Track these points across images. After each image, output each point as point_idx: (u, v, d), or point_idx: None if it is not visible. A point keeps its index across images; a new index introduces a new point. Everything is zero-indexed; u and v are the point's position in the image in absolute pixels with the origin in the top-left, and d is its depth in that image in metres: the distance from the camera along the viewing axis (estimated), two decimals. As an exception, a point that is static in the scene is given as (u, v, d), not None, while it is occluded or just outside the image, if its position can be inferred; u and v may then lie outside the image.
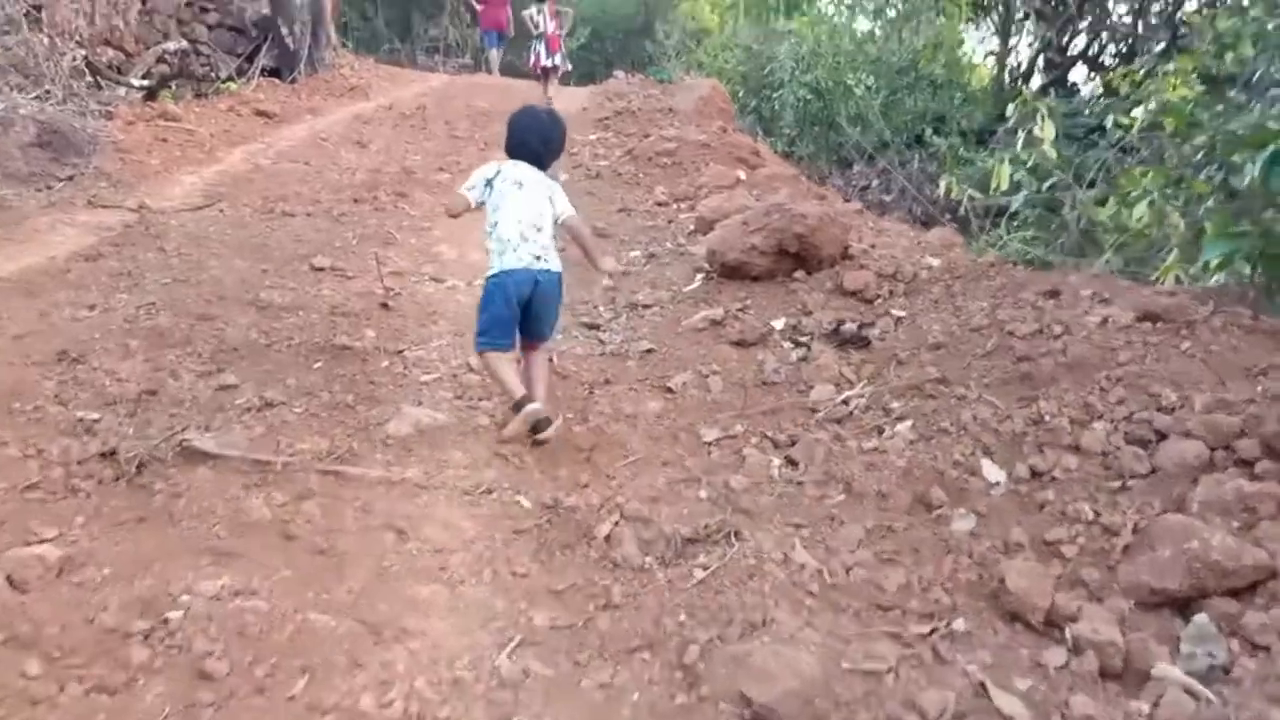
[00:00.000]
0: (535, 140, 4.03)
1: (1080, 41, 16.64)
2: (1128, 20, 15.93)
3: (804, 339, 4.68)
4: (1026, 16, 15.92)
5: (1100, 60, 17.05)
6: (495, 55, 17.29)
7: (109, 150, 8.79)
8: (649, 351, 4.82)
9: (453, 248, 6.59)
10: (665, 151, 8.78)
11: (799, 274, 5.25)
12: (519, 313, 3.87)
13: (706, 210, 6.70)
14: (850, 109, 12.82)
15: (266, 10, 14.77)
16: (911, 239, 6.29)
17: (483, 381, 4.47)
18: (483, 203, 3.96)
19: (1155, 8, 15.61)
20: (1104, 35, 16.57)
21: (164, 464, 3.51)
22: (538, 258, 3.86)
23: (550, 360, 4.36)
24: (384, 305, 5.31)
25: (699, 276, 5.68)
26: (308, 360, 4.56)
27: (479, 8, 17.47)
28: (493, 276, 3.88)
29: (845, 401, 4.06)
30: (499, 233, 3.86)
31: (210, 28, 15.22)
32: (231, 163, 9.19)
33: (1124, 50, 16.75)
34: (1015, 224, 10.59)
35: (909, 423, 3.85)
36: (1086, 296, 4.39)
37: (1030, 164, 8.69)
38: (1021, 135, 7.24)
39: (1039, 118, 6.96)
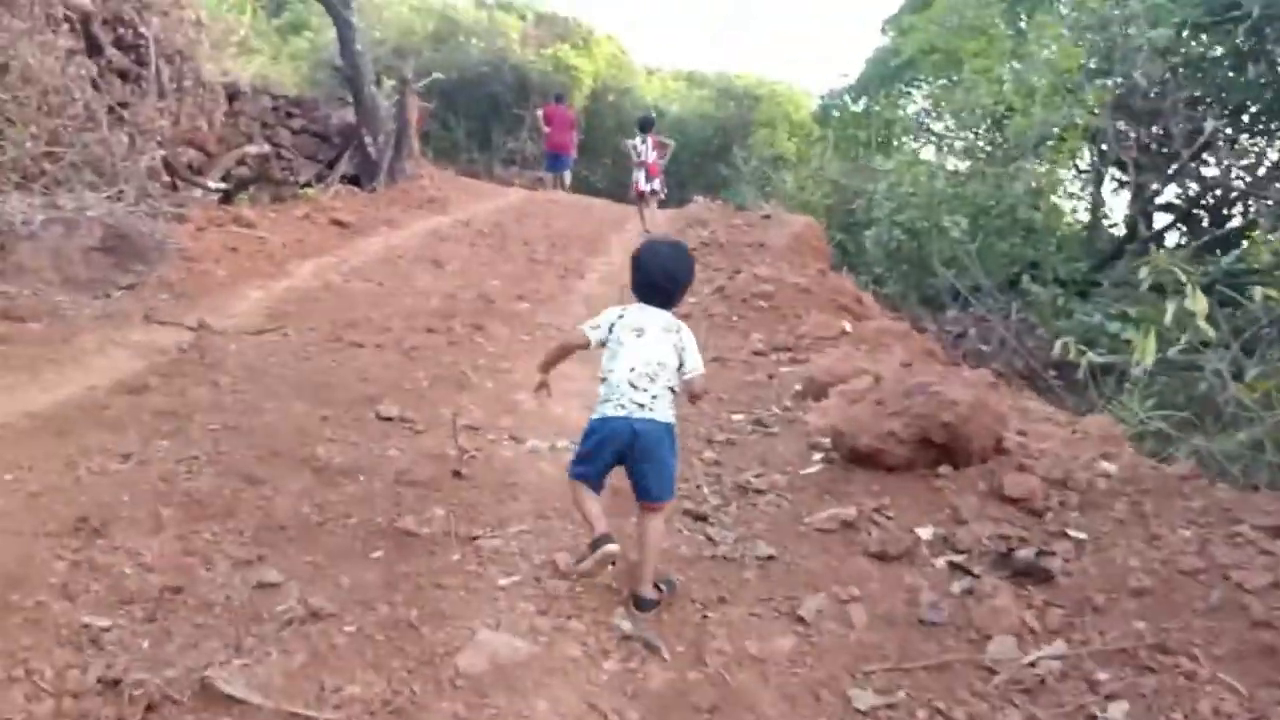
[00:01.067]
0: (662, 278, 3.66)
1: (1169, 192, 15.90)
2: (1215, 173, 15.16)
3: (962, 560, 3.80)
4: (1122, 165, 15.21)
5: (1193, 214, 16.24)
6: (552, 178, 17.44)
7: (175, 258, 8.28)
8: (770, 559, 3.97)
9: (533, 397, 5.84)
10: (761, 294, 8.05)
11: (944, 468, 4.40)
12: (612, 462, 3.57)
13: (818, 371, 5.91)
14: (944, 250, 12.09)
15: (352, 118, 14.56)
16: (1065, 427, 5.42)
17: (571, 590, 3.65)
18: (603, 343, 3.63)
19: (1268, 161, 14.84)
20: (1192, 187, 15.81)
21: (178, 706, 2.71)
22: (641, 405, 3.50)
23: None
24: (456, 474, 4.53)
25: (817, 457, 4.85)
26: (365, 548, 3.77)
27: (546, 130, 17.55)
28: (594, 420, 3.60)
29: (1034, 664, 3.16)
30: (610, 379, 3.55)
31: (294, 132, 15.02)
32: (302, 277, 8.63)
33: (1212, 204, 15.93)
34: (1134, 389, 9.69)
35: (1124, 706, 2.94)
36: (1326, 540, 3.49)
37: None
38: (1170, 307, 6.42)
39: (1188, 288, 6.15)
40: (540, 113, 18.45)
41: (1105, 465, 4.32)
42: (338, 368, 5.97)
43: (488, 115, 23.81)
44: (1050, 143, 12.86)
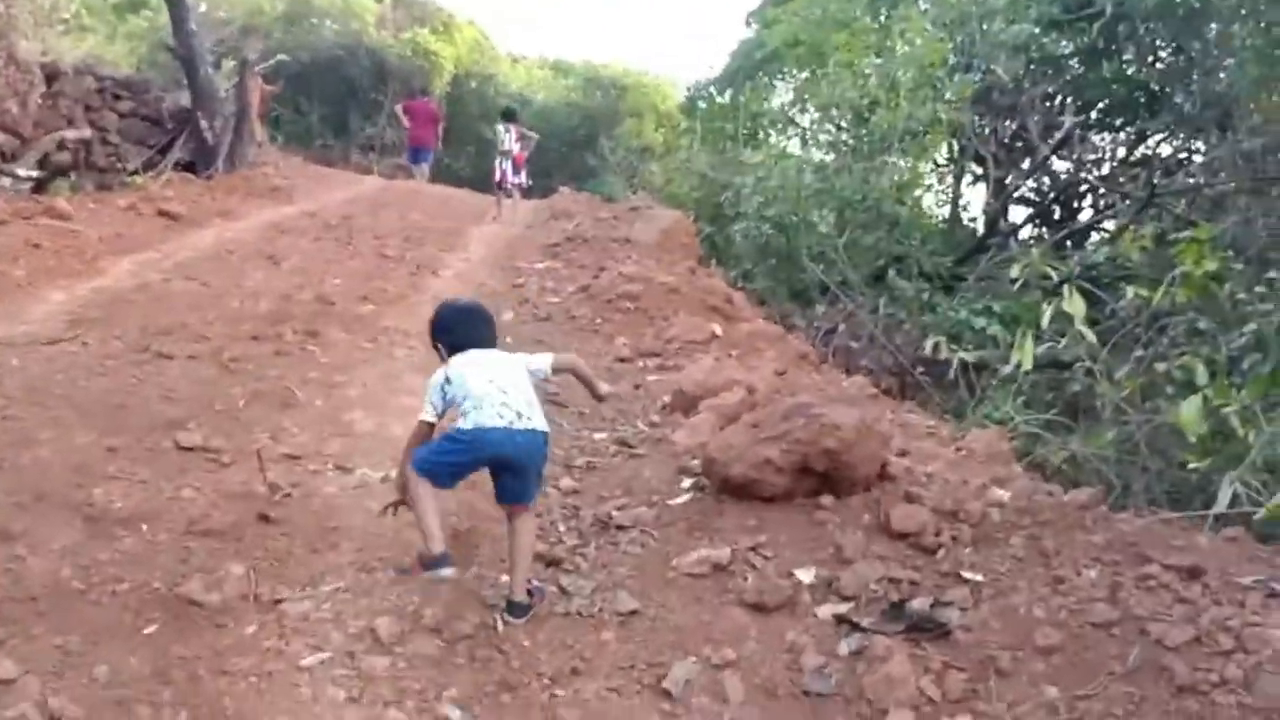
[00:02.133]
0: (477, 322, 3.58)
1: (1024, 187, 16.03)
2: (1067, 167, 15.34)
3: (849, 611, 3.30)
4: (980, 159, 15.24)
5: (1046, 208, 16.42)
6: (422, 169, 16.52)
7: (-36, 255, 7.20)
8: (632, 614, 3.39)
9: (370, 415, 5.13)
10: (627, 294, 7.47)
11: (825, 498, 3.90)
12: (474, 470, 3.39)
13: (688, 382, 5.37)
14: (812, 245, 11.76)
15: (188, 102, 13.35)
16: (949, 445, 5.00)
17: (393, 668, 2.99)
18: (444, 412, 3.39)
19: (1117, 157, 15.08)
20: (1045, 182, 16.00)
21: None
22: (520, 414, 3.26)
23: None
24: (264, 518, 3.80)
25: (687, 484, 4.29)
26: (136, 623, 3.04)
27: (407, 124, 16.70)
28: (463, 431, 3.24)
29: (936, 747, 2.67)
30: (471, 393, 3.26)
31: (123, 116, 13.67)
32: (116, 276, 7.64)
33: (1062, 199, 16.14)
34: (1001, 389, 9.51)
35: (1045, 801, 2.47)
36: (1242, 584, 3.12)
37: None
38: (1048, 308, 6.12)
39: (1066, 290, 5.86)
40: (400, 108, 17.56)
41: (998, 493, 3.89)
42: (139, 385, 5.11)
43: (344, 100, 22.61)
44: (913, 137, 12.67)
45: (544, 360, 3.54)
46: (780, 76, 18.20)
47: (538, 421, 3.31)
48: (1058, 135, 13.01)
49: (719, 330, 6.80)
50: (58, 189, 10.84)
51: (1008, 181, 14.41)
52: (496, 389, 3.25)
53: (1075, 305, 5.87)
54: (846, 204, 12.42)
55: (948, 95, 12.49)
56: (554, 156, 23.50)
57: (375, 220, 11.11)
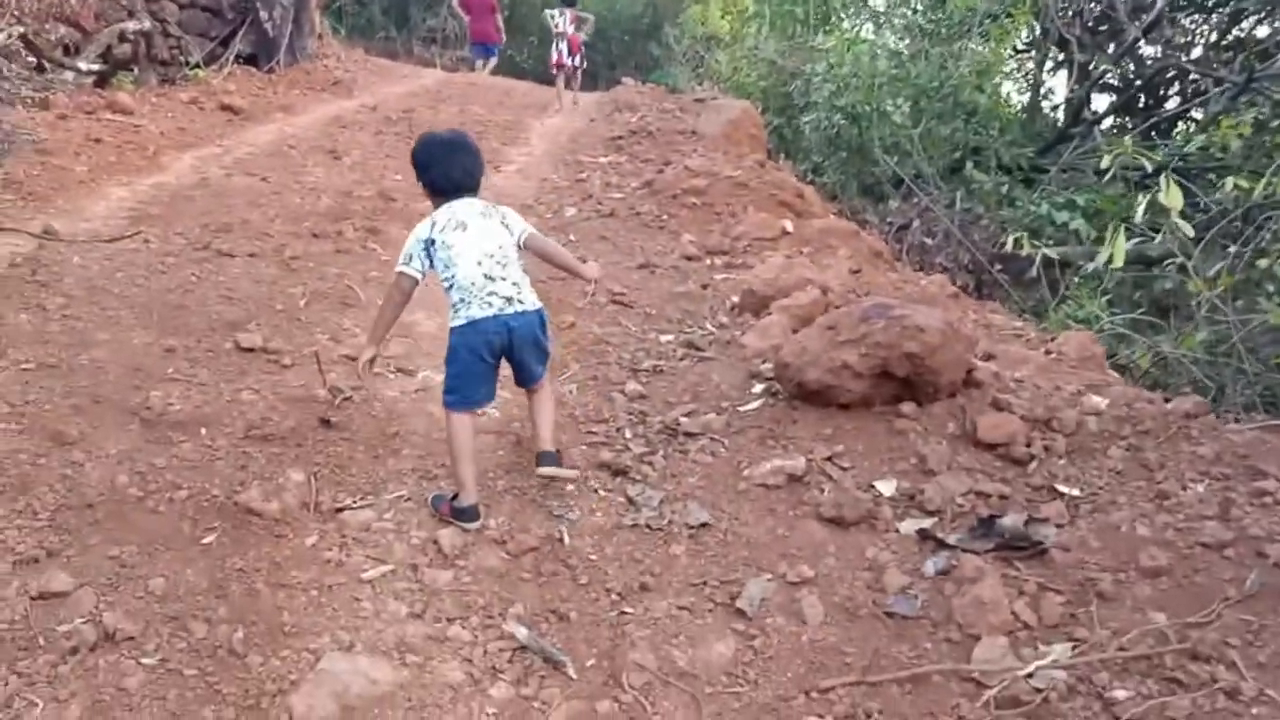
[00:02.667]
0: (453, 168, 3.32)
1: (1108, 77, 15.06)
2: (1154, 52, 14.32)
3: (934, 526, 3.08)
4: (1063, 43, 14.33)
5: (1131, 96, 15.44)
6: (483, 65, 15.92)
7: (27, 150, 7.11)
8: (703, 527, 3.21)
9: (432, 316, 4.96)
10: (693, 189, 7.13)
11: (906, 405, 3.65)
12: (496, 365, 3.26)
13: (758, 282, 5.10)
14: (885, 136, 11.21)
15: (246, -8, 13.07)
16: (1038, 347, 4.68)
17: (456, 582, 2.87)
18: (427, 271, 3.28)
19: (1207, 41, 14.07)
20: (1131, 68, 14.99)
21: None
22: (508, 299, 3.19)
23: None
24: (325, 422, 3.68)
25: (758, 389, 4.07)
26: (193, 533, 2.94)
27: (466, 19, 16.06)
28: (457, 329, 3.21)
29: (1031, 675, 2.47)
30: (459, 282, 3.19)
31: (182, 7, 13.42)
32: (177, 172, 7.51)
33: (1149, 86, 15.12)
34: (1084, 287, 9.05)
35: (1151, 738, 2.27)
36: (1376, 500, 2.83)
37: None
38: (1142, 201, 5.71)
39: (1162, 181, 5.43)
40: (456, 2, 16.97)
41: (1095, 400, 3.60)
42: (198, 284, 5.00)
43: (406, -10, 22.10)
44: (994, 20, 11.91)
45: (520, 227, 3.35)
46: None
47: (529, 300, 3.23)
48: (1146, 17, 12.13)
49: (789, 226, 6.47)
50: (120, 83, 10.71)
51: (1092, 67, 13.55)
52: (482, 274, 3.15)
53: (1173, 196, 5.49)
54: (922, 92, 11.79)
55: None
56: (617, 46, 22.82)
57: (436, 115, 10.82)
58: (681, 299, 5.42)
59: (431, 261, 3.23)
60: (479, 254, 3.16)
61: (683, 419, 3.90)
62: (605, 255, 6.27)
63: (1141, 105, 15.24)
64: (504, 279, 3.17)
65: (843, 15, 14.50)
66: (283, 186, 7.17)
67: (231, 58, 12.61)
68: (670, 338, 4.85)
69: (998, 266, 9.90)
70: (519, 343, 3.19)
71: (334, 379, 3.97)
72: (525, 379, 3.35)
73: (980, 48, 12.84)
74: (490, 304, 3.14)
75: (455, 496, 3.18)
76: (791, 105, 12.35)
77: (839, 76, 10.83)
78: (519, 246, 3.30)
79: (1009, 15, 12.25)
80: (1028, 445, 3.40)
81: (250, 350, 4.24)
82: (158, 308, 4.59)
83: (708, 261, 6.19)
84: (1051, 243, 10.93)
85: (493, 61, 16.32)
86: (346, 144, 8.77)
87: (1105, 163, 5.89)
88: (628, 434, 3.86)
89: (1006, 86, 14.40)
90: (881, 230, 10.51)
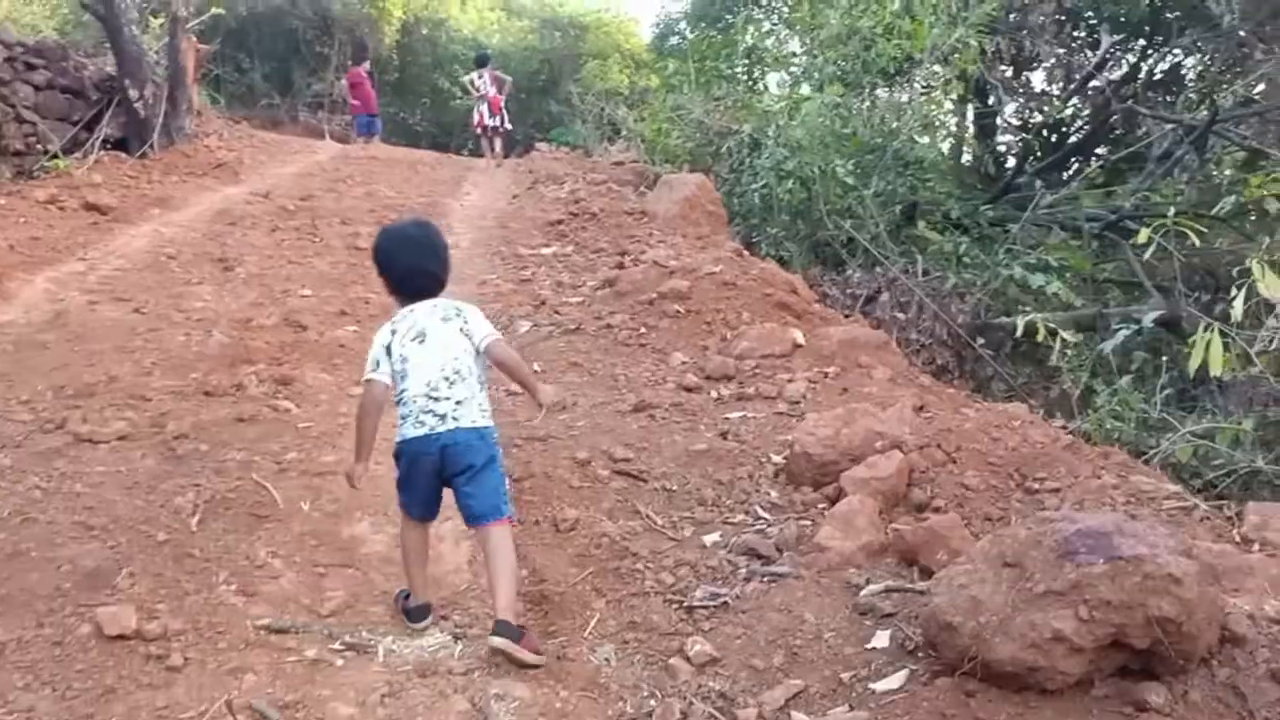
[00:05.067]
0: (421, 262, 3.12)
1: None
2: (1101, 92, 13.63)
3: None
4: (983, 91, 13.54)
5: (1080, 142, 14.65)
6: (374, 139, 14.85)
7: None
8: None
9: (381, 526, 3.52)
10: (673, 293, 5.79)
11: (1147, 687, 2.37)
12: (433, 486, 2.99)
13: (811, 441, 3.79)
14: (835, 199, 10.12)
15: (111, 69, 11.34)
16: (1244, 548, 3.41)
17: None
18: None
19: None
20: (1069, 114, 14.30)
21: None
22: (441, 417, 2.91)
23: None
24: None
25: (883, 640, 2.75)
26: None
27: (354, 102, 15.06)
28: (397, 443, 3.00)
29: None
30: (404, 398, 2.96)
31: (38, 89, 11.56)
32: (27, 303, 5.90)
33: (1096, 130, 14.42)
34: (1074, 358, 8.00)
35: None
36: None
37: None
38: (1237, 300, 4.67)
39: (1257, 268, 4.38)
40: (345, 83, 15.76)
41: None
42: (44, 501, 3.45)
43: (287, 55, 20.42)
44: (942, 64, 10.97)
45: (483, 332, 3.05)
46: (759, 5, 16.31)
47: (465, 418, 2.95)
48: (1093, 57, 11.41)
49: (800, 338, 5.22)
50: (-37, 182, 8.96)
51: (1029, 113, 12.83)
52: (426, 394, 2.94)
53: (1273, 284, 4.45)
54: (866, 149, 10.79)
55: (971, 18, 10.77)
56: (516, 105, 21.50)
57: (339, 200, 9.31)
58: (704, 460, 4.07)
59: (391, 366, 2.99)
60: (431, 372, 2.95)
61: (795, 714, 2.55)
62: (583, 390, 4.91)
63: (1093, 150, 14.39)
64: (447, 398, 2.94)
65: (763, 69, 13.45)
66: (161, 318, 5.60)
67: (98, 143, 10.87)
68: (716, 537, 3.48)
69: (980, 340, 8.86)
70: (452, 462, 2.93)
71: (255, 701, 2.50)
72: (469, 514, 2.97)
73: (910, 97, 11.95)
74: (423, 423, 2.93)
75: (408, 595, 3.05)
76: (733, 170, 11.14)
77: (791, 139, 9.69)
78: (478, 352, 3.03)
79: (945, 62, 11.34)
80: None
81: (120, 639, 2.73)
82: (-24, 561, 3.04)
83: (713, 394, 4.87)
84: (1027, 309, 10.01)
85: (376, 137, 15.18)
86: (238, 248, 7.21)
87: (1228, 204, 4.98)
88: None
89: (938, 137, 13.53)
90: (844, 303, 9.38)
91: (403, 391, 2.96)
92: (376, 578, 3.25)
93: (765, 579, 3.18)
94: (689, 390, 4.89)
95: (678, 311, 5.68)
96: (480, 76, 12.83)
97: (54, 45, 12.10)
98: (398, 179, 10.89)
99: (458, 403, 2.92)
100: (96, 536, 3.25)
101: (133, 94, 11.09)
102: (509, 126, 13.62)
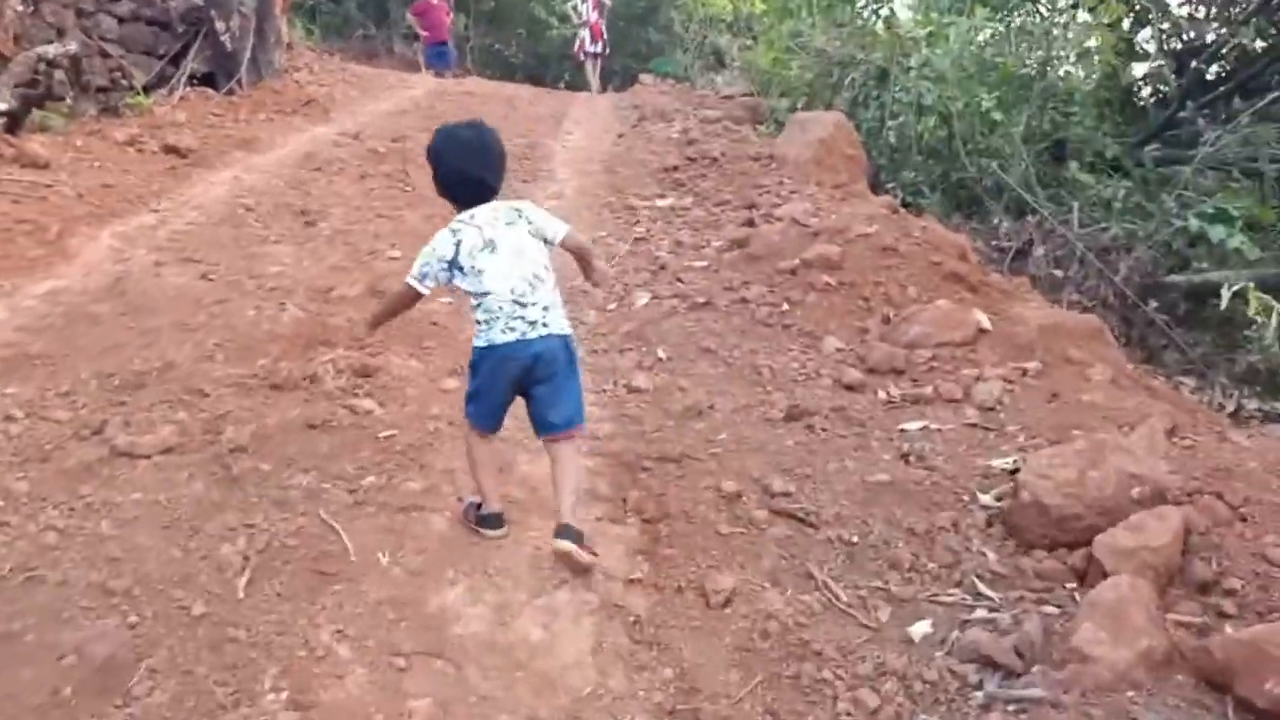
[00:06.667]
0: (478, 168, 2.87)
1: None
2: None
3: None
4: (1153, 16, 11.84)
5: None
6: (446, 70, 13.90)
7: None
8: None
9: (475, 590, 2.67)
10: (820, 260, 4.77)
11: None
12: (509, 394, 2.88)
13: (1045, 487, 2.80)
14: (978, 138, 8.86)
15: (199, -1, 10.59)
16: None
17: None
18: (446, 284, 2.88)
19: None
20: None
21: None
22: (533, 323, 2.80)
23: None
24: None
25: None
26: None
27: (423, 33, 14.07)
28: (478, 349, 2.86)
29: None
30: (487, 301, 2.80)
31: (121, 20, 10.84)
32: (87, 264, 5.20)
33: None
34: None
35: None
36: None
37: None
38: None
39: None
40: (409, 14, 14.81)
41: None
42: (62, 549, 2.69)
43: (383, -18, 19.56)
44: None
45: (558, 231, 2.90)
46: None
47: (555, 325, 2.84)
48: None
49: (985, 321, 4.18)
50: (44, 119, 8.33)
51: (1192, 37, 11.21)
52: (511, 298, 2.78)
53: None
54: (1013, 80, 9.44)
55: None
56: (612, 34, 20.32)
57: (434, 140, 8.43)
58: (888, 497, 3.10)
59: (452, 278, 2.83)
60: (513, 279, 2.79)
61: None
62: (720, 387, 3.96)
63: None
64: (534, 303, 2.80)
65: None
66: (232, 286, 4.82)
67: (184, 79, 10.17)
68: (927, 629, 2.53)
69: (1152, 303, 7.61)
70: (540, 370, 2.80)
71: None
72: (544, 422, 2.87)
73: (1065, 20, 10.47)
74: (513, 328, 2.78)
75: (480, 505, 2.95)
76: (848, 104, 9.90)
77: (934, 69, 8.43)
78: (552, 246, 2.90)
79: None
80: None
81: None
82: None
83: (881, 394, 3.87)
84: (1206, 265, 8.68)
85: (450, 70, 14.23)
86: (322, 199, 6.40)
87: None
88: None
89: (1088, 67, 11.95)
90: (990, 256, 8.20)
91: (485, 296, 2.79)
92: (473, 675, 2.40)
93: (1011, 708, 2.23)
94: (850, 389, 3.91)
95: (827, 284, 4.65)
96: (583, 1, 12.56)
97: (138, -27, 11.37)
98: (496, 116, 9.91)
99: (545, 308, 2.82)
100: (116, 606, 2.48)
101: (219, 26, 10.33)
102: (606, 51, 13.33)
